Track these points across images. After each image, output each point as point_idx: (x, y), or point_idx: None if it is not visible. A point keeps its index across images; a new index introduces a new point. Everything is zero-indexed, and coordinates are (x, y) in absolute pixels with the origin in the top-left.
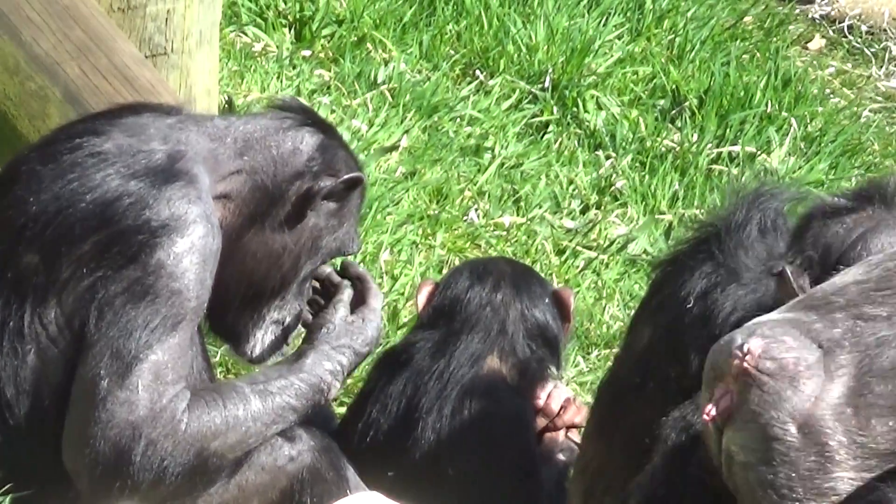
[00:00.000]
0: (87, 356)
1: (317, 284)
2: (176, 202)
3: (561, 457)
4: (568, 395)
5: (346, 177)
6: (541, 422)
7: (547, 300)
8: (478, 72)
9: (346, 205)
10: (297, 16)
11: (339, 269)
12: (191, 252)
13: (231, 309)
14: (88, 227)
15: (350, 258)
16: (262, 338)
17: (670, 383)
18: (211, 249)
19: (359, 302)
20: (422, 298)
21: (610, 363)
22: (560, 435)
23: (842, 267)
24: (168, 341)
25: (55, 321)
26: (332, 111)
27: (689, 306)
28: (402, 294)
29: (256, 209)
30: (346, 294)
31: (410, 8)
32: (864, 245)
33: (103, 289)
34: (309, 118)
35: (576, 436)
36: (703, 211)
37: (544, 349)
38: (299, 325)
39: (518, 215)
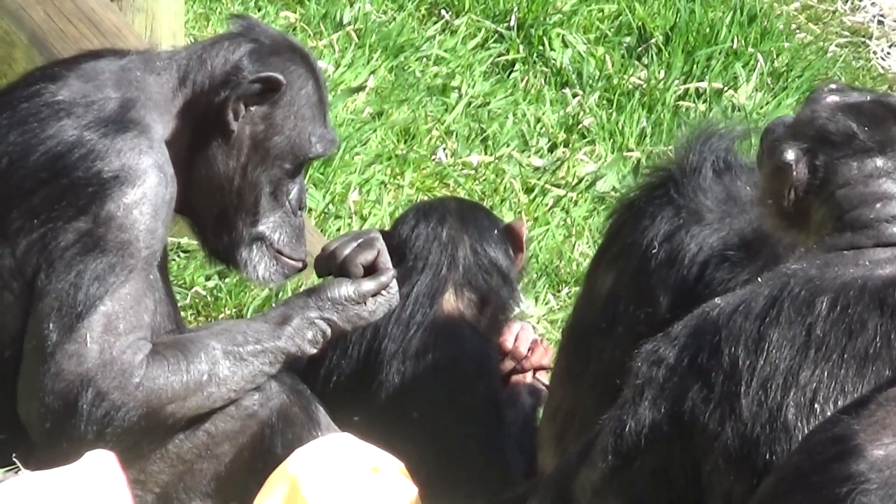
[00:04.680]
0: (38, 308)
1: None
2: (127, 153)
3: (528, 399)
4: (535, 337)
5: (255, 76)
6: (508, 364)
7: (496, 232)
8: (443, 11)
9: (282, 106)
10: None
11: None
12: (141, 203)
13: (209, 235)
14: (40, 179)
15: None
16: (249, 256)
17: (639, 325)
18: (163, 199)
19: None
20: None
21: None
22: (528, 377)
23: None
24: (119, 292)
25: (9, 269)
26: None
27: (654, 251)
28: None
29: (199, 131)
30: (377, 282)
31: None
32: None
33: (54, 240)
34: (243, 27)
35: (544, 377)
36: (670, 148)
37: (498, 282)
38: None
39: (486, 154)
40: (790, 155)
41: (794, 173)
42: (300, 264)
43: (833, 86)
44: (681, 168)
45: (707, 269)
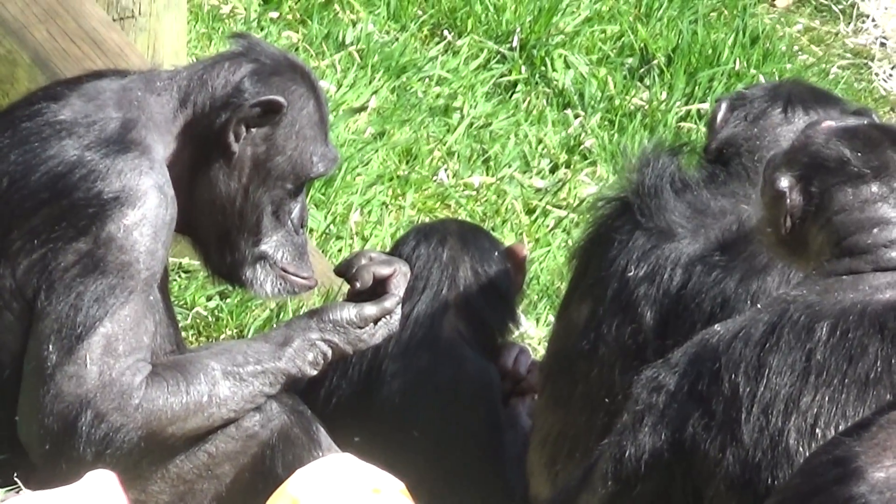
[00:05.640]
0: (38, 329)
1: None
2: (127, 174)
3: (528, 420)
4: (534, 359)
5: (256, 100)
6: (507, 385)
7: (496, 254)
8: (446, 32)
9: (283, 126)
10: None
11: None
12: (141, 224)
13: (212, 255)
14: (40, 199)
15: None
16: (254, 275)
17: (625, 343)
18: (164, 220)
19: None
20: None
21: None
22: (527, 399)
23: None
24: (118, 313)
25: (9, 289)
26: None
27: (630, 274)
28: None
29: (200, 152)
30: (380, 307)
31: None
32: None
33: (54, 261)
34: (244, 47)
35: None
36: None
37: (498, 303)
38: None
39: (488, 175)
40: (784, 183)
41: (789, 201)
42: (307, 281)
43: (728, 99)
44: (638, 194)
45: (693, 277)
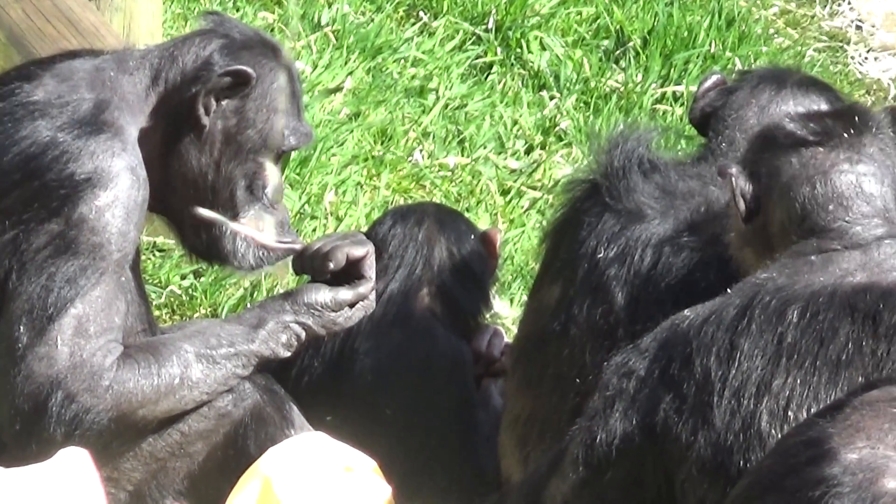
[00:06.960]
0: (9, 310)
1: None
2: (100, 155)
3: (500, 400)
4: (507, 341)
5: (224, 69)
6: (480, 367)
7: (472, 237)
8: (421, 13)
9: (253, 99)
10: None
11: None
12: (113, 206)
13: (187, 232)
14: (12, 180)
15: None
16: (234, 247)
17: (596, 324)
18: (136, 202)
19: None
20: None
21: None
22: (500, 380)
23: None
24: (90, 294)
25: None
26: None
27: (601, 255)
28: None
29: (172, 128)
30: (355, 292)
31: None
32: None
33: (25, 242)
34: (215, 23)
35: None
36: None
37: (472, 285)
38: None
39: (463, 156)
40: (732, 168)
41: (740, 181)
42: (295, 245)
43: (717, 76)
44: (606, 175)
45: (662, 257)
